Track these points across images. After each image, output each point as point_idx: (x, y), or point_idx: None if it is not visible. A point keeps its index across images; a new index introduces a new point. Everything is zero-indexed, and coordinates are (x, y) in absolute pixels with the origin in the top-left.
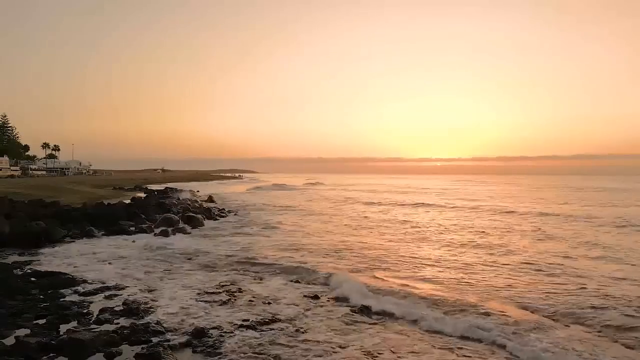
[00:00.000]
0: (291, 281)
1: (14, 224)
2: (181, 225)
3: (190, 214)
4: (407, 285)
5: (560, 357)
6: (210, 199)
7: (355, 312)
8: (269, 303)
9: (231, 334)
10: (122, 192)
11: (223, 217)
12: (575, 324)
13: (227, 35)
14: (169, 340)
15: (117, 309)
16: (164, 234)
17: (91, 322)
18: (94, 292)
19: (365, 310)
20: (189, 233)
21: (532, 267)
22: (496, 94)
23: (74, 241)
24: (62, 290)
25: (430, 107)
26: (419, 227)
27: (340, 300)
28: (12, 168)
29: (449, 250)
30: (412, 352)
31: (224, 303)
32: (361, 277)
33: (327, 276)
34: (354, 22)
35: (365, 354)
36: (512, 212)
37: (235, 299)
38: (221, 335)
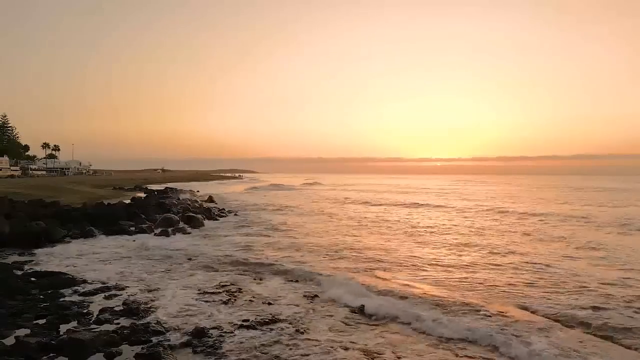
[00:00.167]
0: (291, 281)
1: (14, 224)
2: (181, 225)
3: (190, 214)
4: (408, 286)
5: (562, 359)
6: (210, 199)
7: (355, 313)
8: (269, 303)
9: (231, 334)
10: (122, 192)
11: (223, 217)
12: (576, 325)
13: (227, 35)
14: (169, 340)
15: (117, 309)
16: (164, 234)
17: (91, 322)
18: (94, 292)
19: (365, 310)
20: (189, 233)
21: (533, 267)
22: (496, 94)
23: (74, 241)
24: (62, 290)
25: (430, 107)
26: (419, 228)
27: (340, 300)
28: (12, 168)
29: (449, 251)
30: (413, 352)
31: (224, 303)
32: (361, 277)
33: (327, 276)
34: (354, 22)
35: (365, 355)
36: (512, 212)
37: (235, 299)
38: (221, 335)
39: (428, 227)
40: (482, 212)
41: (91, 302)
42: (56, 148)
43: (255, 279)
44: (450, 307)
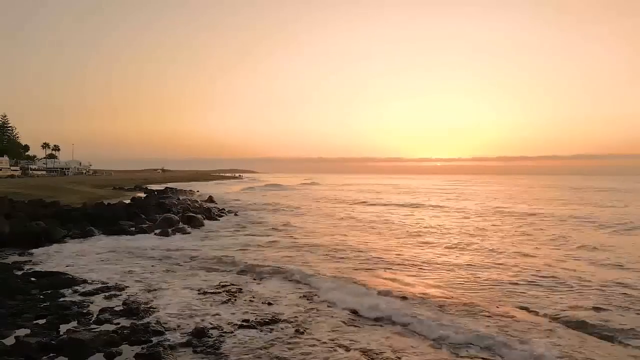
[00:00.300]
0: (291, 281)
1: (14, 224)
2: (181, 225)
3: (190, 214)
4: (408, 286)
5: None
6: (210, 199)
7: (355, 313)
8: (269, 303)
9: (231, 334)
10: (122, 192)
11: (223, 217)
12: (577, 325)
13: (227, 35)
14: (169, 340)
15: (117, 309)
16: (164, 234)
17: (91, 322)
18: (94, 292)
19: (365, 311)
20: (189, 233)
21: (533, 267)
22: (496, 94)
23: (74, 241)
24: (62, 290)
25: (430, 107)
26: (419, 228)
27: (340, 300)
28: (12, 168)
29: (449, 251)
30: (414, 353)
31: (224, 303)
32: (361, 278)
33: (327, 276)
34: (354, 22)
35: (366, 355)
36: (513, 212)
37: (235, 299)
38: (221, 335)
39: (428, 227)
40: (482, 213)
41: (91, 302)
42: (56, 148)
43: (255, 279)
44: (451, 308)
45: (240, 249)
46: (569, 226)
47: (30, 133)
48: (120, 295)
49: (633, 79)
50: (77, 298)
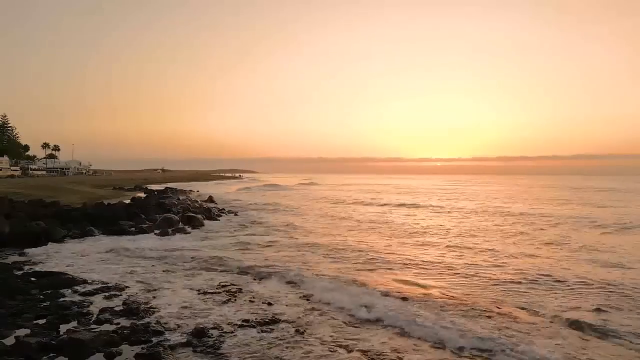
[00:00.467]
0: (291, 281)
1: (14, 224)
2: (181, 225)
3: (190, 214)
4: (408, 286)
5: None
6: (210, 199)
7: (355, 314)
8: (269, 303)
9: (231, 334)
10: (122, 192)
11: (223, 217)
12: (578, 326)
13: (227, 35)
14: (169, 340)
15: (117, 309)
16: (164, 234)
17: (91, 322)
18: (94, 292)
19: (365, 311)
20: (189, 233)
21: (534, 268)
22: (496, 94)
23: (74, 241)
24: (62, 290)
25: (430, 107)
26: (419, 228)
27: (340, 301)
28: (12, 168)
29: (449, 251)
30: (415, 354)
31: (224, 303)
32: (361, 278)
33: (327, 277)
34: (354, 22)
35: (366, 356)
36: (513, 212)
37: (235, 299)
38: (221, 335)
39: (428, 227)
40: (482, 213)
41: (91, 302)
42: (56, 148)
43: (255, 279)
44: (452, 308)
45: (240, 249)
46: (569, 226)
47: (30, 133)
48: (120, 295)
49: (633, 79)
50: (77, 298)
